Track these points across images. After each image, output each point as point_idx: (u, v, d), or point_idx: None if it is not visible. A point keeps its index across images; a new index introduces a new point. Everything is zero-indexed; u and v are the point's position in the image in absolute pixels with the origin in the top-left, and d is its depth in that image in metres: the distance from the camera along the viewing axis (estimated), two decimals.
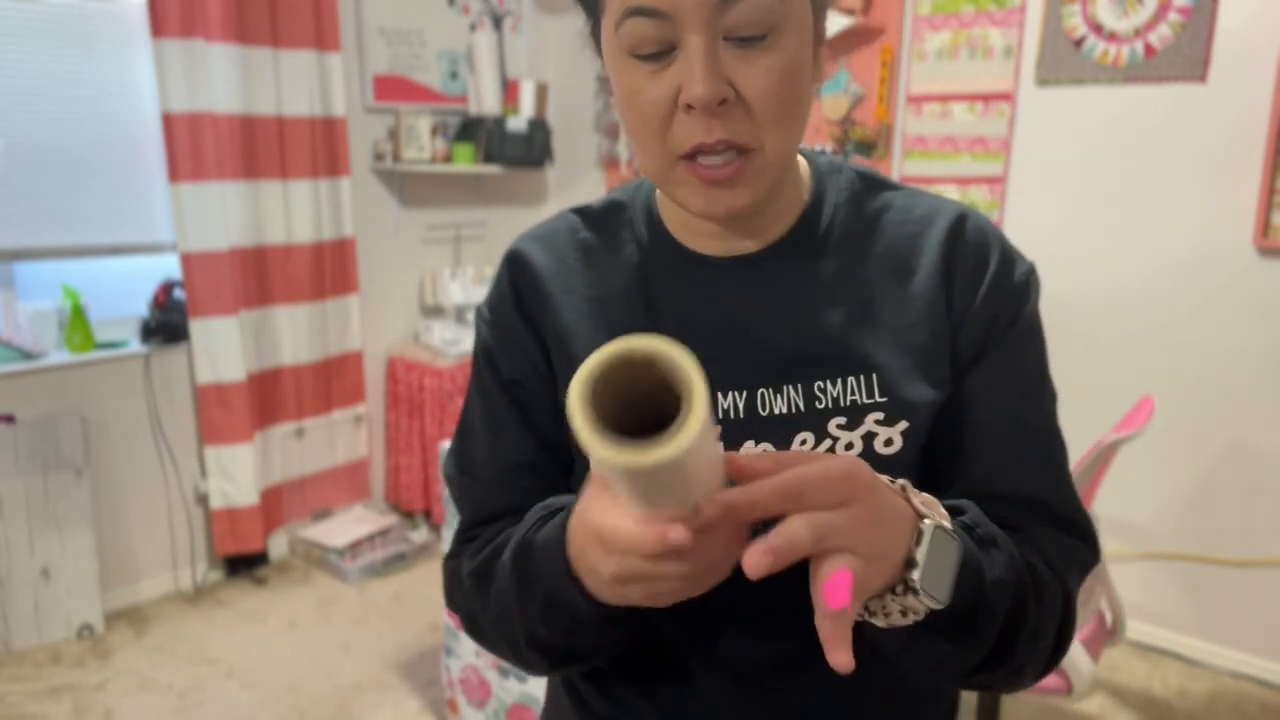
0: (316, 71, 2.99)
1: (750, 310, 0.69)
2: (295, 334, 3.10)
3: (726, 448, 0.66)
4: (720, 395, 0.68)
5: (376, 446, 3.47)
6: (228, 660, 2.58)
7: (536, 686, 1.92)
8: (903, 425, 0.67)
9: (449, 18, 3.37)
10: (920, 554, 0.54)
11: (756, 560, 0.47)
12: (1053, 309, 2.63)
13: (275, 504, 3.13)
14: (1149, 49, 2.44)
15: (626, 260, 0.73)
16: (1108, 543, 2.41)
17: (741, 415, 0.68)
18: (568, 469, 0.76)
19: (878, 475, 0.55)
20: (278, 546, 3.21)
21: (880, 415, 0.66)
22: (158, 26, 2.62)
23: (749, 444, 0.67)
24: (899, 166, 2.92)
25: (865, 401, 0.67)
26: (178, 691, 2.43)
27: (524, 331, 0.74)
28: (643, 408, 0.47)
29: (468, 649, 2.05)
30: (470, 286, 3.47)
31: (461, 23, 3.41)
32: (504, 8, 3.53)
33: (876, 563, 0.52)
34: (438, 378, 3.21)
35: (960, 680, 0.66)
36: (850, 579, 0.49)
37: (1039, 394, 0.71)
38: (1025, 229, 2.70)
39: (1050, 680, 1.79)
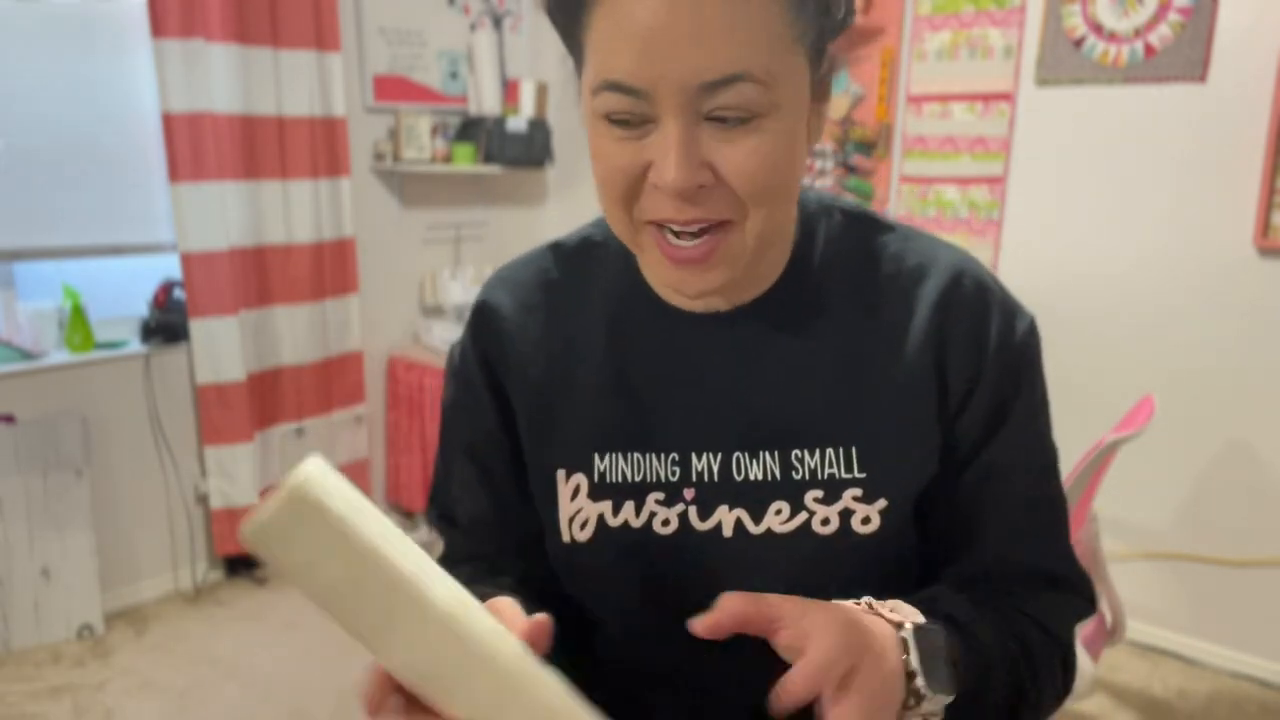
0: (316, 71, 2.99)
1: (727, 370, 0.66)
2: (295, 334, 3.10)
3: (701, 513, 0.65)
4: (694, 457, 0.66)
5: (376, 446, 3.47)
6: (228, 660, 2.58)
7: None
8: (881, 504, 0.63)
9: (449, 18, 3.37)
10: (914, 661, 0.53)
11: None
12: (1052, 309, 2.64)
13: None
14: (1149, 49, 2.43)
15: (599, 309, 0.70)
16: (1108, 543, 2.41)
17: (715, 480, 0.65)
18: (539, 521, 0.73)
19: (853, 609, 0.54)
20: None
21: (859, 492, 0.63)
22: (158, 26, 2.62)
23: (723, 509, 0.65)
24: (899, 166, 2.92)
25: (844, 476, 0.64)
26: (178, 691, 2.43)
27: (485, 394, 0.72)
28: None
29: None
30: (470, 286, 3.47)
31: (461, 23, 3.41)
32: (504, 8, 3.53)
33: (886, 696, 0.52)
34: (438, 378, 3.21)
35: None
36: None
37: (1046, 462, 0.69)
38: (1025, 229, 2.70)
39: None
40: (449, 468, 0.76)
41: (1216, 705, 2.40)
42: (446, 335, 3.35)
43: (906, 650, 0.54)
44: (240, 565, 3.08)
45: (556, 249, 0.74)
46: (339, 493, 0.45)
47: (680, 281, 0.59)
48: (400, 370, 3.36)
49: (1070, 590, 0.70)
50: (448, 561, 0.76)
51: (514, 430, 0.72)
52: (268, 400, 3.06)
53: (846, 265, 0.67)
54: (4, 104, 2.53)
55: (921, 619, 0.56)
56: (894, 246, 0.67)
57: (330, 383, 3.23)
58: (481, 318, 0.73)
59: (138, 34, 2.72)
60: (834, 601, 0.54)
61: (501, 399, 0.72)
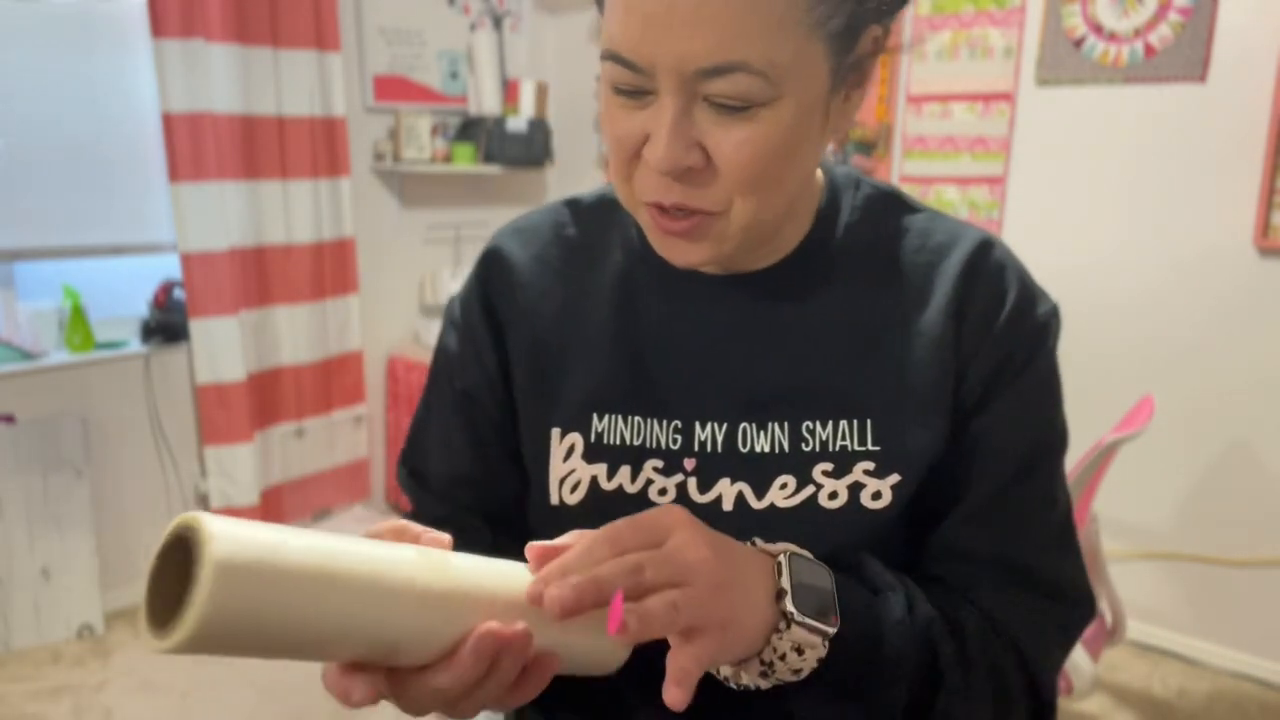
0: (316, 71, 2.99)
1: (741, 336, 0.64)
2: (295, 334, 3.10)
3: (701, 485, 0.63)
4: (699, 425, 0.64)
5: (376, 447, 3.47)
6: (228, 660, 2.57)
7: None
8: (894, 478, 0.61)
9: (449, 18, 3.37)
10: (785, 581, 0.51)
11: (556, 597, 0.45)
12: None
13: (275, 504, 3.13)
14: (1149, 49, 2.43)
15: (612, 266, 0.68)
16: (1108, 543, 2.41)
17: (720, 449, 0.63)
18: (523, 484, 0.71)
19: (715, 533, 0.51)
20: None
21: (870, 465, 0.61)
22: (158, 26, 2.62)
23: (724, 481, 0.63)
24: (899, 166, 2.92)
25: (856, 448, 0.61)
26: (178, 691, 2.43)
27: (487, 341, 0.69)
28: None
29: None
30: None
31: (461, 23, 3.41)
32: (504, 8, 3.53)
33: (727, 591, 0.49)
34: None
35: None
36: (620, 599, 0.46)
37: (1043, 450, 0.64)
38: (1025, 229, 2.70)
39: None
40: (429, 423, 0.74)
41: (1216, 705, 2.40)
42: None
43: (779, 573, 0.52)
44: None
45: (574, 205, 0.72)
46: (244, 537, 0.41)
47: (667, 251, 0.59)
48: (400, 370, 3.36)
49: (1052, 596, 0.64)
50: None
51: (509, 382, 0.69)
52: (268, 400, 3.06)
53: (870, 238, 0.65)
54: (4, 104, 2.53)
55: (807, 554, 0.55)
56: (921, 224, 0.66)
57: (330, 383, 3.23)
58: (490, 264, 0.70)
59: (138, 34, 2.72)
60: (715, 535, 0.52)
61: (502, 348, 0.69)
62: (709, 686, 0.55)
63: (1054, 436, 0.66)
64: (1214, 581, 2.55)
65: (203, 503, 2.99)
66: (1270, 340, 2.38)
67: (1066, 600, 0.65)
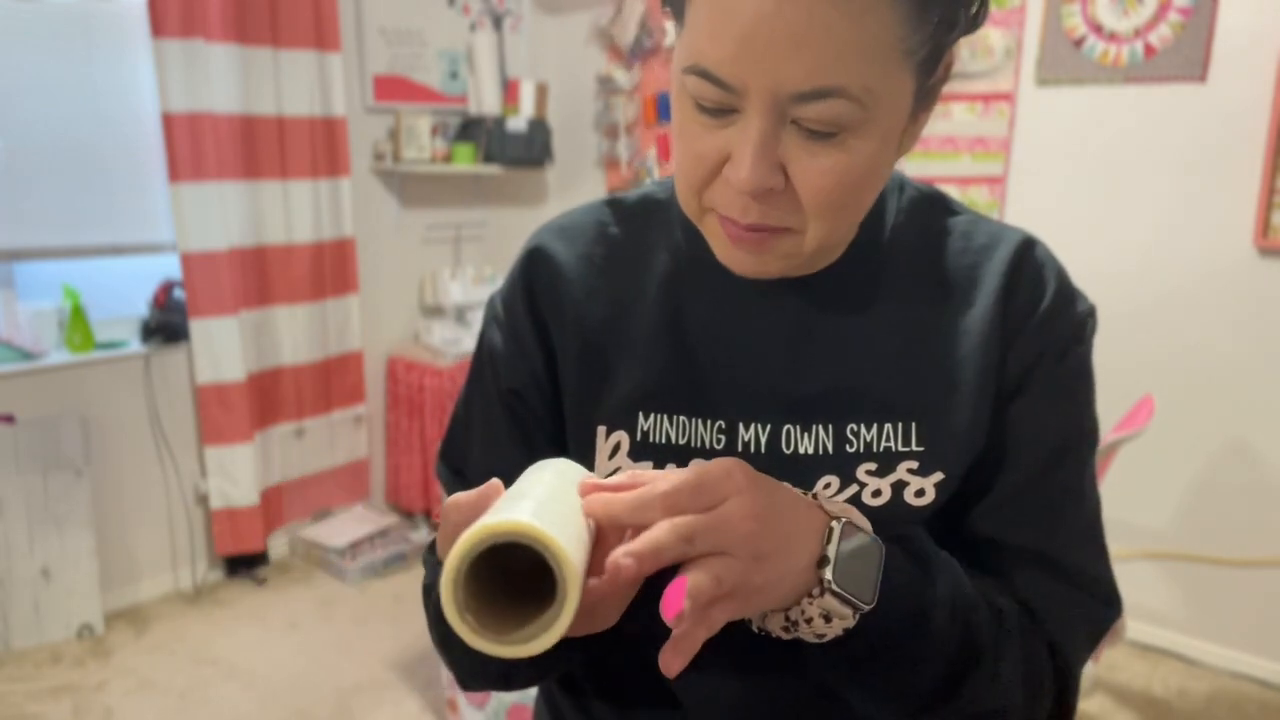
0: (316, 71, 2.99)
1: (787, 339, 0.64)
2: (295, 334, 3.10)
3: None
4: (742, 427, 0.64)
5: (376, 446, 3.47)
6: (228, 660, 2.58)
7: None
8: (938, 476, 0.62)
9: (449, 18, 3.37)
10: (831, 550, 0.50)
11: (618, 564, 0.44)
12: None
13: (275, 504, 3.13)
14: (1149, 49, 2.44)
15: (658, 267, 0.68)
16: (1108, 543, 2.41)
17: (763, 451, 0.63)
18: None
19: (766, 476, 0.51)
20: (278, 547, 3.21)
21: (914, 464, 0.62)
22: (158, 26, 2.62)
23: None
24: (899, 167, 2.92)
25: (900, 449, 0.62)
26: (178, 691, 2.43)
27: (532, 338, 0.69)
28: (513, 565, 0.45)
29: None
30: (470, 287, 3.47)
31: (461, 23, 3.41)
32: (504, 8, 3.53)
33: (768, 561, 0.48)
34: (438, 378, 3.21)
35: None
36: (684, 586, 0.45)
37: (1074, 442, 0.65)
38: (1025, 229, 2.69)
39: None
40: (471, 420, 0.73)
41: (1216, 705, 2.40)
42: (446, 335, 3.35)
43: (829, 539, 0.51)
44: (240, 565, 3.08)
45: (615, 204, 0.72)
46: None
47: (735, 261, 0.59)
48: (400, 370, 3.36)
49: (1082, 588, 0.64)
50: None
51: (555, 380, 0.69)
52: (268, 400, 3.06)
53: (914, 241, 0.66)
54: (4, 104, 2.54)
55: (867, 526, 0.54)
56: (964, 226, 0.67)
57: (330, 383, 3.23)
58: (534, 262, 0.70)
59: (138, 34, 2.72)
60: (772, 482, 0.52)
61: (548, 346, 0.69)
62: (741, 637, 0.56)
63: (1085, 431, 0.66)
64: (1214, 581, 2.55)
65: (203, 503, 3.00)
66: (1270, 340, 2.38)
67: (1098, 597, 0.66)
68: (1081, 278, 0.66)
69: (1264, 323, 2.38)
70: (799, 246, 0.57)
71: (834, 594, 0.50)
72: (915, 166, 2.88)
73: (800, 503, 0.52)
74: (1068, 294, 0.65)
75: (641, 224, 0.70)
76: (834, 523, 0.52)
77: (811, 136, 0.52)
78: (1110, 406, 2.32)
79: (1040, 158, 2.66)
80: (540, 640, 0.42)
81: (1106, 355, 2.83)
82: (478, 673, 0.67)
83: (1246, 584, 2.50)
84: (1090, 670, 1.77)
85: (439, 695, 2.36)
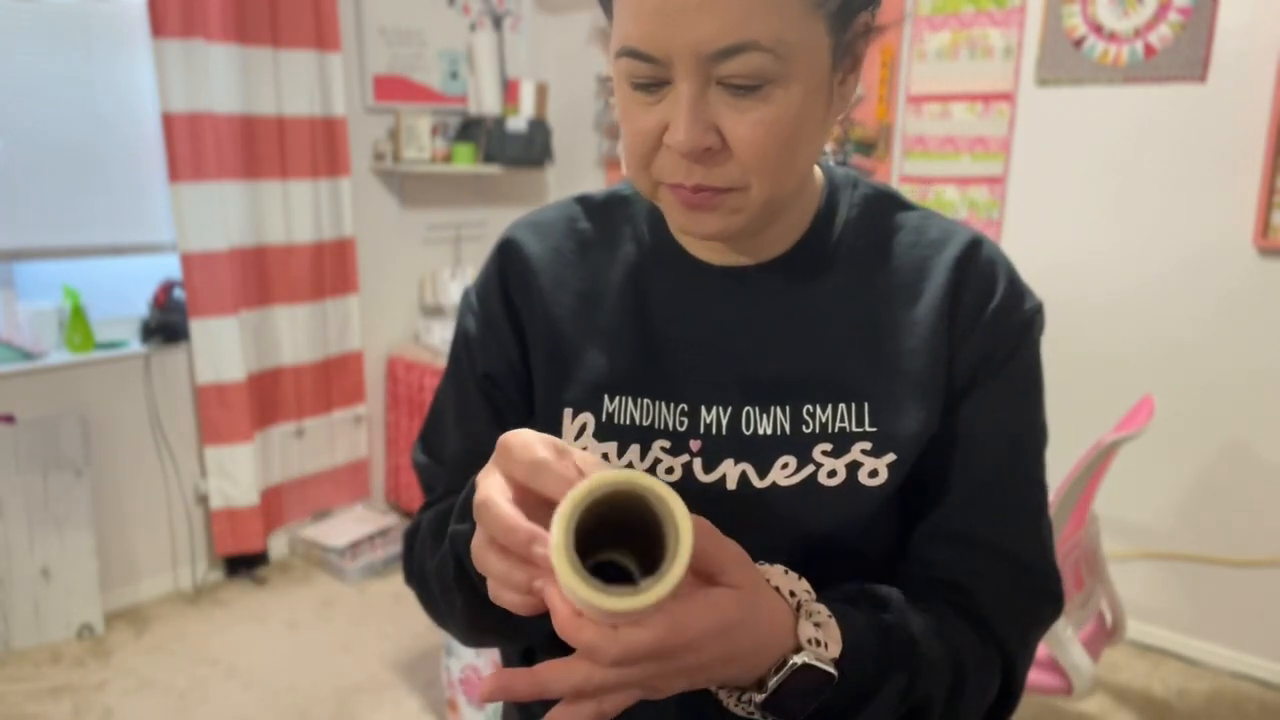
0: (316, 71, 2.99)
1: (745, 324, 0.68)
2: (295, 334, 3.10)
3: (706, 465, 0.67)
4: (704, 409, 0.67)
5: (376, 446, 3.47)
6: (228, 660, 2.58)
7: None
8: (890, 457, 0.65)
9: (449, 18, 3.37)
10: (772, 682, 0.52)
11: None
12: (1053, 309, 2.63)
13: (275, 504, 3.13)
14: (1149, 49, 2.43)
15: (624, 258, 0.72)
16: (1108, 543, 2.41)
17: (724, 432, 0.66)
18: None
19: (750, 602, 0.51)
20: (278, 546, 3.21)
21: (867, 445, 0.65)
22: (158, 26, 2.62)
23: (728, 462, 0.66)
24: (899, 166, 2.92)
25: (854, 430, 0.65)
26: (178, 691, 2.43)
27: (506, 325, 0.73)
28: (607, 523, 0.47)
29: (468, 649, 2.05)
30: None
31: (461, 23, 3.41)
32: (504, 8, 3.53)
33: (693, 680, 0.50)
34: (438, 378, 3.21)
35: None
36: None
37: (1026, 437, 0.69)
38: (1025, 229, 2.70)
39: (1050, 680, 1.79)
40: (447, 406, 0.77)
41: (1216, 705, 2.40)
42: (447, 335, 3.35)
43: (776, 672, 0.53)
44: (240, 565, 3.08)
45: (584, 201, 0.76)
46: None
47: (690, 223, 0.62)
48: (400, 370, 3.36)
49: (1035, 587, 0.68)
50: (427, 506, 0.77)
51: (527, 365, 0.73)
52: (268, 400, 3.06)
53: (867, 234, 0.69)
54: (4, 104, 2.54)
55: (829, 653, 0.55)
56: (916, 221, 0.70)
57: (330, 383, 3.23)
58: (507, 253, 0.74)
59: (137, 34, 2.72)
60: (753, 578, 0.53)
61: (519, 333, 0.73)
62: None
63: (1039, 428, 0.70)
64: (1214, 581, 2.55)
65: (203, 503, 3.00)
66: (1270, 340, 2.38)
67: (1050, 595, 0.69)
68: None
69: (1264, 323, 2.38)
70: (746, 201, 0.60)
71: (760, 708, 0.53)
72: (915, 166, 2.88)
73: (771, 630, 0.53)
74: (1016, 292, 0.67)
75: (609, 219, 0.74)
76: (795, 657, 0.53)
77: (737, 93, 0.56)
78: (1110, 406, 2.33)
79: (1040, 158, 2.66)
80: (654, 591, 0.43)
81: (1107, 355, 2.84)
82: (477, 628, 0.69)
83: (1246, 584, 2.50)
84: (1090, 670, 1.77)
85: (439, 695, 2.36)
